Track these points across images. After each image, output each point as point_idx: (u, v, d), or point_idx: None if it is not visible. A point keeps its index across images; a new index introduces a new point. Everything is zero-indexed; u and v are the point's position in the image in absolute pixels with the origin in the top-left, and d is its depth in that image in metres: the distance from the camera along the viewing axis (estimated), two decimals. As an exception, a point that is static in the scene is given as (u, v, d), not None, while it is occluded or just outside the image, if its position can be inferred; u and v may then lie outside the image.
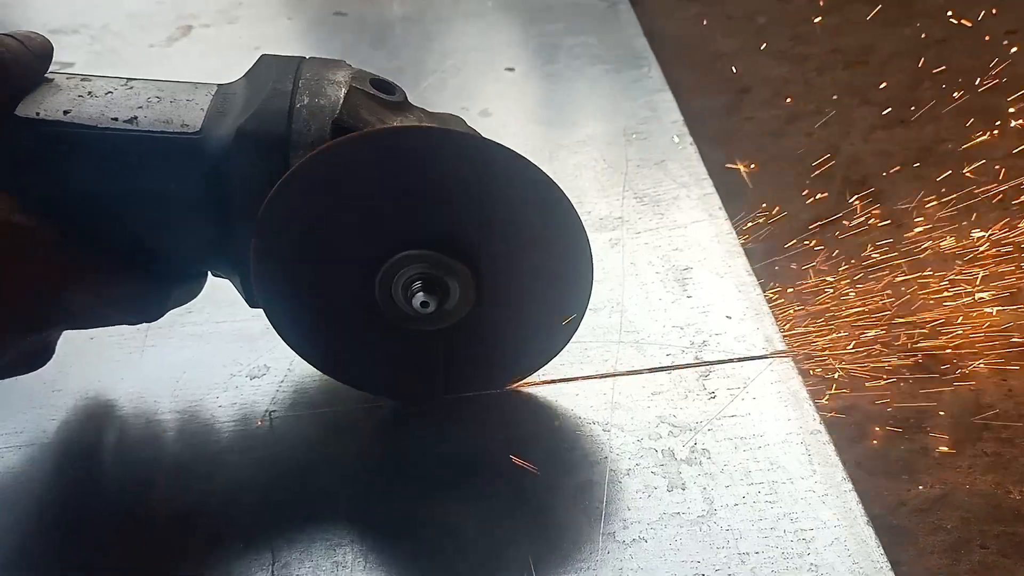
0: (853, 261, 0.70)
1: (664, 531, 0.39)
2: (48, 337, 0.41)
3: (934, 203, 0.78)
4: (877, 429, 0.66)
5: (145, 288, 0.40)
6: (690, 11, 1.25)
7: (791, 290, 0.65)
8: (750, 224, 0.67)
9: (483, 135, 0.41)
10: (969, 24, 1.08)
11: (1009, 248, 0.71)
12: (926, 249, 0.73)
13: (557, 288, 0.42)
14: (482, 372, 0.45)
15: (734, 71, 1.08)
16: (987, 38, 1.05)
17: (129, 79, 0.41)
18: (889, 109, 1.00)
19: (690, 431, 0.43)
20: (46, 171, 0.38)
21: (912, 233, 0.74)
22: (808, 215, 0.83)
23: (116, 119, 0.38)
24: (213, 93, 0.40)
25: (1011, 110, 0.92)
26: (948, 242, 0.73)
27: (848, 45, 1.15)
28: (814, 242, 0.75)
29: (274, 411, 0.46)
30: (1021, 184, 0.80)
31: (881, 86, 1.04)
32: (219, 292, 0.44)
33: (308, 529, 0.40)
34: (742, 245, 0.55)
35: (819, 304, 0.64)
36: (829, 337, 0.60)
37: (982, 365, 0.69)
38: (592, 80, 0.75)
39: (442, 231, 0.39)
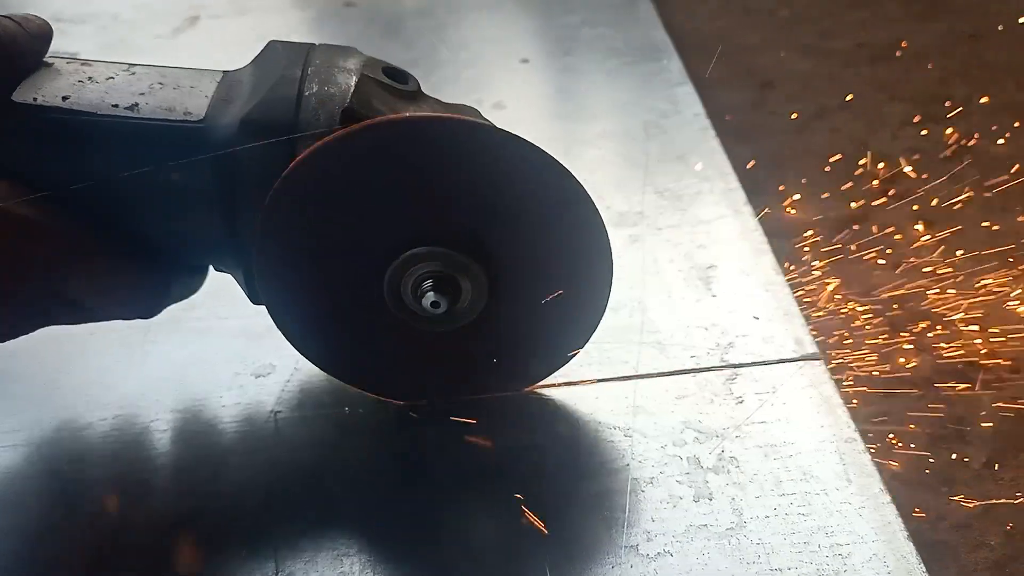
0: (882, 262, 0.67)
1: (691, 544, 0.37)
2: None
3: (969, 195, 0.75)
4: (914, 438, 0.64)
5: (144, 280, 0.39)
6: (711, 4, 1.23)
7: (815, 288, 0.63)
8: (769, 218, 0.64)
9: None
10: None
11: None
12: (959, 248, 0.70)
13: (575, 286, 0.40)
14: (495, 374, 0.43)
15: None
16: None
17: (132, 64, 0.39)
18: (917, 105, 0.98)
19: (717, 437, 0.41)
20: (43, 158, 0.37)
21: (944, 232, 0.72)
22: (835, 213, 0.81)
23: (117, 105, 0.37)
24: (219, 80, 0.39)
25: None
26: (982, 242, 0.70)
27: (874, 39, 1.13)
28: (840, 243, 0.73)
29: (279, 411, 0.44)
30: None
31: (907, 82, 1.01)
32: (222, 286, 0.43)
33: (314, 536, 0.39)
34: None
35: (848, 308, 0.61)
36: (859, 341, 0.58)
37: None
38: (610, 73, 0.73)
39: (455, 227, 0.38)
